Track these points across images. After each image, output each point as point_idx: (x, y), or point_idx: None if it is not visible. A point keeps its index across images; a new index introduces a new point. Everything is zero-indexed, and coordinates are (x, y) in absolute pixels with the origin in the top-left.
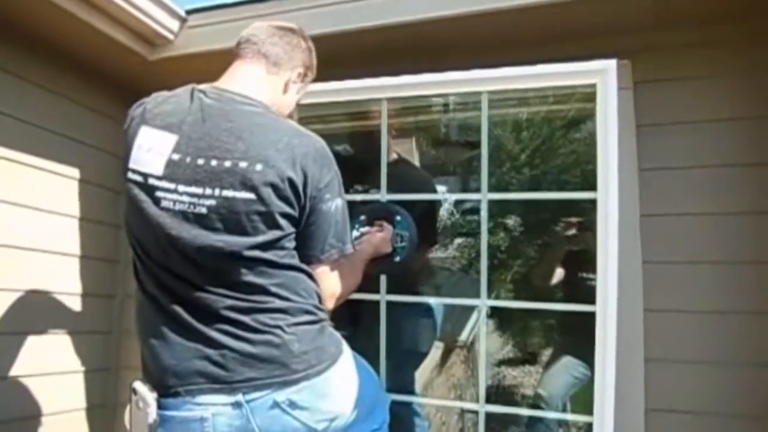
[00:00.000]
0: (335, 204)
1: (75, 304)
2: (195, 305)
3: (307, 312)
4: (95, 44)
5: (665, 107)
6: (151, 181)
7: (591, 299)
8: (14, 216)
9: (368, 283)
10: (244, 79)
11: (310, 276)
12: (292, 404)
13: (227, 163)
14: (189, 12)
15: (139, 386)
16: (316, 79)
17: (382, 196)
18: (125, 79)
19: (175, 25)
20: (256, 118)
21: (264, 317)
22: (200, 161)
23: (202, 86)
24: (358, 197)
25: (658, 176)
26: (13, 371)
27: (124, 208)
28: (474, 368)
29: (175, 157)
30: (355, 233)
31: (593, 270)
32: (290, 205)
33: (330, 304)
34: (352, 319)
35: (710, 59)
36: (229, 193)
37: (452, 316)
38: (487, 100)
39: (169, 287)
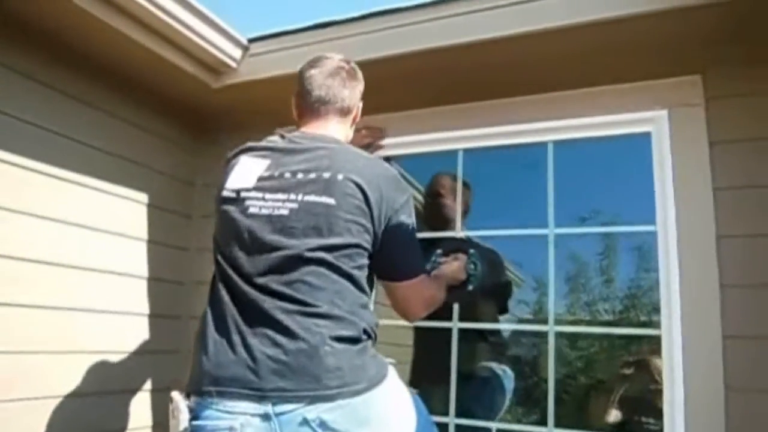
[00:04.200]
0: (412, 224)
1: (143, 324)
2: (249, 304)
3: (354, 329)
4: (162, 73)
5: (742, 123)
6: (243, 194)
7: None
8: (85, 238)
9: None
10: (323, 128)
11: (366, 303)
12: (323, 424)
13: (312, 175)
14: (251, 40)
15: (175, 395)
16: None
17: (456, 233)
18: (190, 106)
19: (238, 53)
20: (337, 145)
21: (308, 321)
22: (287, 174)
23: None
24: (435, 234)
25: (736, 195)
26: (84, 389)
27: (214, 230)
28: None
29: (266, 173)
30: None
31: (651, 414)
32: (365, 216)
33: (421, 311)
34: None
35: None
36: (311, 197)
37: None
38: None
39: (234, 287)
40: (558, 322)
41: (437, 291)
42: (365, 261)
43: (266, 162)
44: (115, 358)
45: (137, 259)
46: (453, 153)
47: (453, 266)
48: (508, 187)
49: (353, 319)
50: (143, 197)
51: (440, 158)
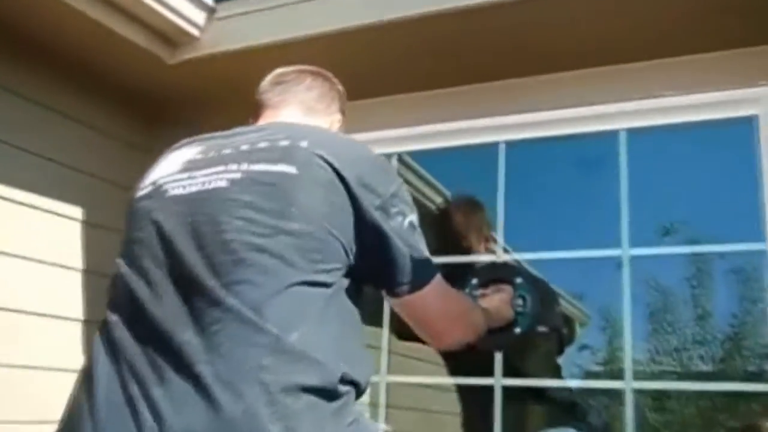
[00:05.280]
0: (409, 220)
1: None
2: (156, 329)
3: (324, 373)
4: (101, 46)
5: None
6: (161, 182)
7: None
8: (3, 270)
9: (480, 362)
10: (278, 117)
11: (345, 333)
12: None
13: (263, 144)
14: (218, 0)
15: None
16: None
17: (498, 255)
18: (139, 90)
19: (200, 17)
20: (297, 124)
21: (246, 358)
22: (227, 150)
23: None
24: (469, 258)
25: None
26: None
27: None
28: None
29: (197, 157)
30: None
31: None
32: (340, 195)
33: (451, 329)
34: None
35: None
36: (260, 166)
37: None
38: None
39: (136, 302)
40: (637, 374)
41: (471, 307)
42: (340, 265)
43: (198, 147)
44: (43, 426)
45: (68, 296)
46: (492, 146)
47: (495, 301)
48: (567, 191)
49: (322, 357)
50: (77, 212)
51: (475, 153)
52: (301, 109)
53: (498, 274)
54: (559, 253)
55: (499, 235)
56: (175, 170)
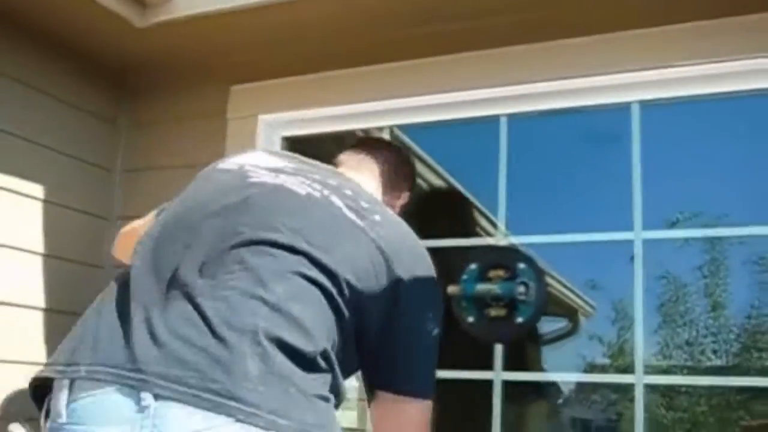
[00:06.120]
0: (438, 331)
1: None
2: (171, 271)
3: (311, 343)
4: (62, 7)
5: None
6: (247, 168)
7: None
8: None
9: (478, 356)
10: (357, 178)
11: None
12: None
13: (347, 191)
14: None
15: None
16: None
17: (498, 237)
18: (105, 57)
19: None
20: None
21: (244, 305)
22: (315, 175)
23: None
24: (465, 242)
25: None
26: None
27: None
28: None
29: (287, 169)
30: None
31: None
32: (385, 276)
33: None
34: None
35: None
36: (336, 200)
37: None
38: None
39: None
40: (648, 369)
41: None
42: (354, 320)
43: (287, 163)
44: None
45: (28, 282)
46: (492, 120)
47: None
48: (574, 170)
49: (314, 330)
50: (37, 190)
51: (473, 128)
52: (374, 179)
53: (498, 259)
54: (566, 236)
55: (500, 217)
56: (262, 165)
